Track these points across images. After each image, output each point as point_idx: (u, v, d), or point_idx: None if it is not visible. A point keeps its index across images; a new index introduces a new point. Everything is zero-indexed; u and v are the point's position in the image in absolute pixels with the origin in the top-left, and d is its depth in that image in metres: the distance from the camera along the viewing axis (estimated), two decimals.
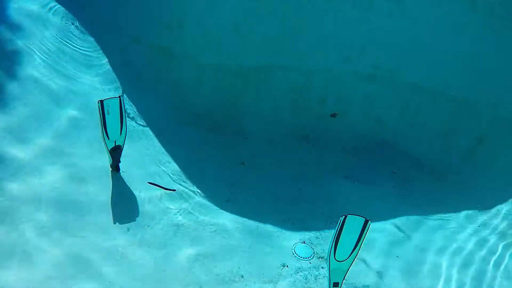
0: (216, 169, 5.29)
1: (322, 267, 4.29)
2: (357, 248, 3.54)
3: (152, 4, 6.19)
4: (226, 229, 4.55)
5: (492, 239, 4.94)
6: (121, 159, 4.66)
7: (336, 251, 3.54)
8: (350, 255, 3.57)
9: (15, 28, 5.38)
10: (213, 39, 6.16)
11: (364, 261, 4.46)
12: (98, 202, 4.33)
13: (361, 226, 3.47)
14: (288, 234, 4.65)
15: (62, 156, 4.60)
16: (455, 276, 4.48)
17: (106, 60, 5.78)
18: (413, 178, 5.77)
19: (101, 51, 5.82)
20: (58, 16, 5.81)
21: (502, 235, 4.99)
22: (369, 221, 3.45)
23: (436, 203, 5.33)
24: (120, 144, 4.55)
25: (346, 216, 3.44)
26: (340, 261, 3.60)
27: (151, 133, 5.36)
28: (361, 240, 3.50)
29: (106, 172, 4.63)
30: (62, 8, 5.90)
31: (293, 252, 4.45)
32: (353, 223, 3.46)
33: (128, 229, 4.20)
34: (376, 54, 6.15)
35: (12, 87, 4.90)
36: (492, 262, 4.67)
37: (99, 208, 4.28)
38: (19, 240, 3.75)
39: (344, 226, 3.46)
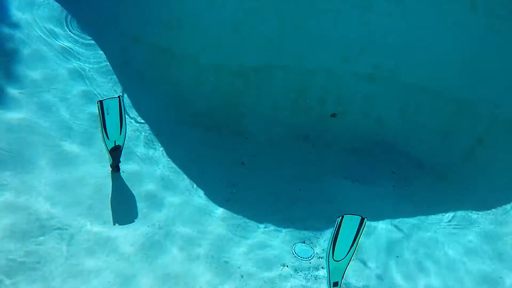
0: (216, 169, 5.30)
1: (322, 267, 4.29)
2: (354, 246, 3.55)
3: (152, 4, 6.19)
4: (226, 229, 4.55)
5: (493, 239, 4.94)
6: (121, 159, 4.67)
7: (335, 251, 3.55)
8: (347, 253, 3.58)
9: (15, 28, 5.38)
10: (213, 39, 6.16)
11: (364, 261, 4.46)
12: (98, 201, 4.34)
13: (358, 224, 3.48)
14: (288, 234, 4.66)
15: (62, 155, 4.60)
16: (455, 275, 4.48)
17: (107, 59, 5.79)
18: (413, 178, 5.77)
19: (100, 50, 5.84)
20: (58, 16, 5.81)
21: (503, 235, 5.00)
22: (365, 219, 3.46)
23: (436, 203, 5.33)
24: (120, 144, 4.55)
25: (343, 217, 3.45)
26: (338, 261, 3.60)
27: (151, 132, 5.36)
28: (358, 237, 3.51)
29: (106, 172, 4.63)
30: (62, 8, 5.91)
31: (293, 252, 4.45)
32: (350, 222, 3.48)
33: (128, 229, 4.20)
34: (376, 54, 6.15)
35: (13, 88, 4.91)
36: (493, 261, 4.67)
37: (99, 208, 4.29)
38: None
39: (341, 226, 3.46)
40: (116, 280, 3.75)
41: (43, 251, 3.76)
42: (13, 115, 4.68)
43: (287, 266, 4.27)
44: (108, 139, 4.40)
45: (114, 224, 4.19)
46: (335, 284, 3.76)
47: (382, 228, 4.88)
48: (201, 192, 4.89)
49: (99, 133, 4.47)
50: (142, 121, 5.46)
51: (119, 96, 4.30)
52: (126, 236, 4.13)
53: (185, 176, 5.01)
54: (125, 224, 4.24)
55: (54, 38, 5.59)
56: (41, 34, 5.51)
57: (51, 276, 3.62)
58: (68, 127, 4.89)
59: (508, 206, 5.29)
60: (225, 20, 6.17)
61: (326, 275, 3.78)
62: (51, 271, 3.66)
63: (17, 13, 5.51)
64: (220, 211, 4.73)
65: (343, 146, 6.08)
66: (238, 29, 6.18)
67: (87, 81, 5.46)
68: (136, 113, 5.51)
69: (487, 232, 5.03)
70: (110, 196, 4.42)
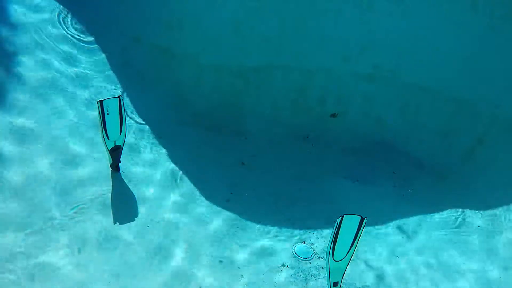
0: (216, 169, 5.30)
1: (322, 267, 4.29)
2: (354, 246, 3.55)
3: (152, 4, 6.19)
4: (226, 229, 4.55)
5: (493, 239, 4.94)
6: (121, 159, 4.67)
7: (335, 251, 3.55)
8: (347, 253, 3.59)
9: (14, 30, 5.38)
10: (213, 39, 6.16)
11: (364, 261, 4.46)
12: (98, 201, 4.34)
13: (357, 224, 3.48)
14: (288, 234, 4.66)
15: (62, 155, 4.61)
16: (454, 275, 4.48)
17: (107, 59, 5.80)
18: (413, 178, 5.77)
19: (101, 50, 5.84)
20: (57, 17, 5.82)
21: (503, 235, 5.00)
22: (365, 218, 3.46)
23: (436, 203, 5.33)
24: (120, 144, 4.55)
25: (343, 217, 3.45)
26: (338, 261, 3.61)
27: (151, 133, 5.37)
28: (357, 238, 3.52)
29: (106, 172, 4.63)
30: (62, 8, 5.91)
31: (293, 252, 4.45)
32: (350, 222, 3.48)
33: (128, 229, 4.21)
34: (376, 54, 6.15)
35: (14, 88, 4.91)
36: (492, 262, 4.67)
37: (99, 207, 4.30)
38: None
39: (341, 226, 3.47)
40: (116, 278, 3.76)
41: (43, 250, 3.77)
42: (16, 118, 4.68)
43: (287, 266, 4.27)
44: (108, 139, 4.41)
45: (114, 223, 4.19)
46: (335, 284, 3.76)
47: (382, 228, 4.89)
48: (200, 192, 4.89)
49: (99, 133, 4.47)
50: (142, 121, 5.46)
51: (119, 96, 4.31)
52: (126, 236, 4.14)
53: (184, 176, 5.01)
54: (125, 223, 4.24)
55: (54, 39, 5.60)
56: (41, 36, 5.52)
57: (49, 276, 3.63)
58: (69, 127, 4.89)
59: (508, 206, 5.29)
60: (225, 20, 6.17)
61: (326, 275, 3.79)
62: (50, 269, 3.67)
63: (17, 15, 5.51)
64: (219, 211, 4.73)
65: (343, 146, 6.08)
66: (239, 29, 6.18)
67: (87, 81, 5.46)
68: (136, 113, 5.51)
69: (487, 232, 5.03)
70: (110, 196, 4.43)
